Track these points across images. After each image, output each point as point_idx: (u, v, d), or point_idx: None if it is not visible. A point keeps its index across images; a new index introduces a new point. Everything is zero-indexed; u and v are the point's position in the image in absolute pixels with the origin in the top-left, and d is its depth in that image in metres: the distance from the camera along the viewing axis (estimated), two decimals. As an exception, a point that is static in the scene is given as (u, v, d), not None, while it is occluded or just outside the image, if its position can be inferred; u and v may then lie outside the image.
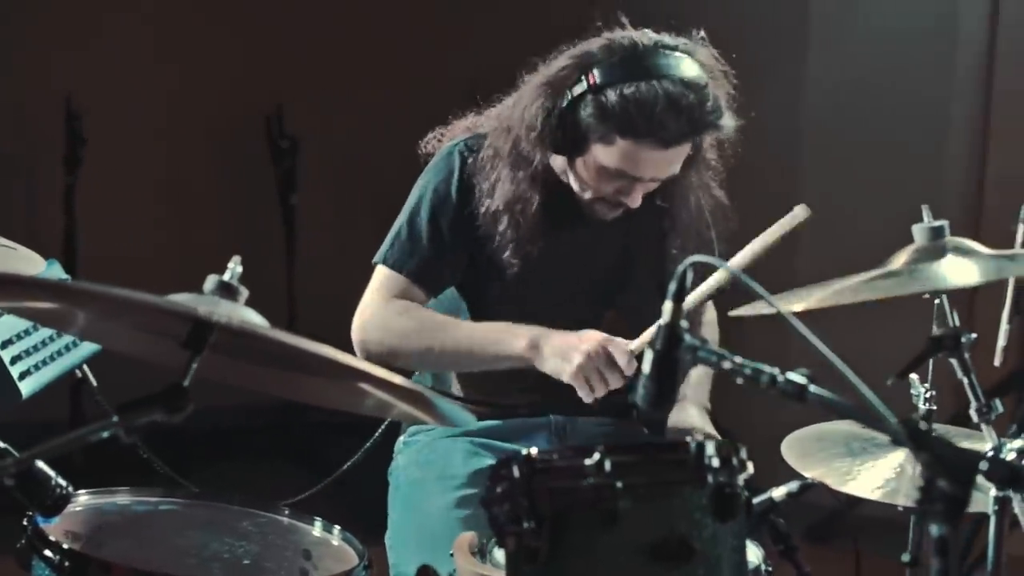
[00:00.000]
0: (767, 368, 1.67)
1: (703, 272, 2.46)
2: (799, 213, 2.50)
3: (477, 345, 2.63)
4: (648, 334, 2.58)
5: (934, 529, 1.51)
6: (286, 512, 2.39)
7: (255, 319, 1.81)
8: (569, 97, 2.58)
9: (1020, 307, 2.28)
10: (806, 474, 2.24)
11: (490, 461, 2.68)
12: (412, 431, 2.85)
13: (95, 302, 1.86)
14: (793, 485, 2.01)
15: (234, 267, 1.85)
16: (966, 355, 1.91)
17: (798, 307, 1.94)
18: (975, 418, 1.93)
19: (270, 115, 5.77)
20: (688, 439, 1.81)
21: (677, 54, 2.56)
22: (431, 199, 2.72)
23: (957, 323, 1.95)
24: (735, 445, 1.84)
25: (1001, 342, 2.32)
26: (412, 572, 2.55)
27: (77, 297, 1.85)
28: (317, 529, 2.38)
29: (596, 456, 1.77)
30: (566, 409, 2.75)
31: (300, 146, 5.77)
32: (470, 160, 2.72)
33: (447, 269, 2.73)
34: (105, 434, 1.73)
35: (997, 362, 2.32)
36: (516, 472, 1.79)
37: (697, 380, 2.79)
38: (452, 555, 2.32)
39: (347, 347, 1.75)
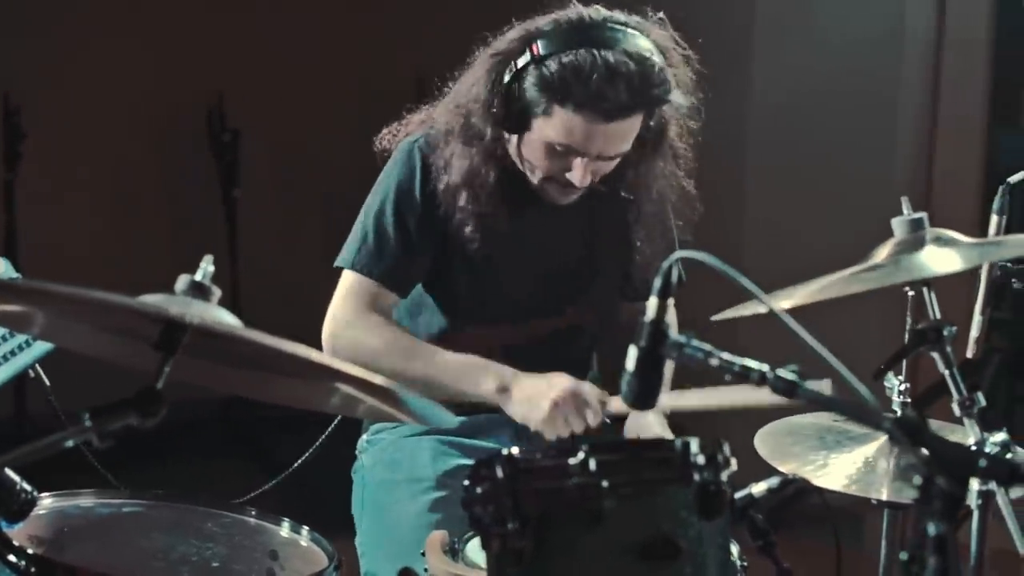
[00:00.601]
0: (756, 365, 1.65)
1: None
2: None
3: (448, 377, 2.60)
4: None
5: (931, 528, 1.49)
6: (253, 513, 2.34)
7: (229, 319, 1.77)
8: (513, 69, 2.54)
9: (992, 298, 2.28)
10: (781, 468, 2.23)
11: (458, 460, 2.66)
12: (375, 429, 2.81)
13: (62, 303, 1.80)
14: (773, 481, 1.99)
15: (206, 266, 1.80)
16: (948, 348, 1.90)
17: (785, 304, 1.91)
18: (957, 412, 1.92)
19: (211, 107, 5.69)
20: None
21: (628, 30, 2.52)
22: (395, 199, 2.67)
23: (938, 315, 1.94)
24: (719, 442, 1.82)
25: (974, 333, 2.32)
26: (380, 571, 2.53)
27: (43, 298, 1.79)
28: (285, 530, 2.33)
29: (581, 455, 1.74)
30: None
31: (242, 139, 5.69)
32: (428, 153, 2.67)
33: (416, 269, 2.69)
34: (70, 443, 1.68)
35: (970, 354, 2.32)
36: (499, 472, 1.75)
37: None
38: (423, 554, 2.30)
39: (291, 337, 1.71)
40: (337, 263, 2.69)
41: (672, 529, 1.75)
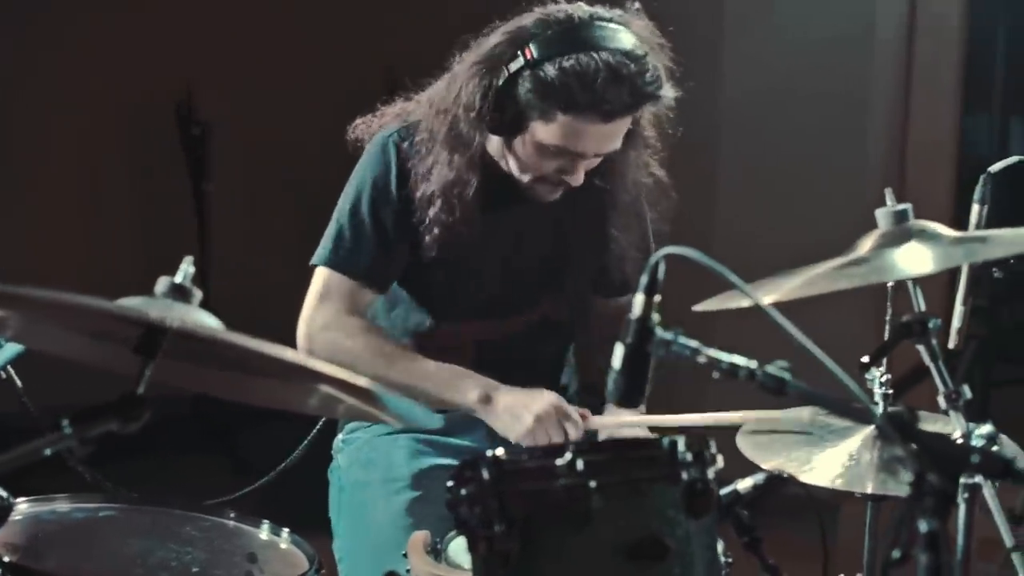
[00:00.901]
0: (745, 361, 1.63)
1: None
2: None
3: (429, 385, 2.57)
4: (612, 419, 2.56)
5: (923, 524, 1.49)
6: (232, 516, 2.32)
7: (210, 322, 1.74)
8: (506, 74, 2.50)
9: (974, 287, 2.27)
10: (763, 465, 2.22)
11: (434, 460, 2.64)
12: (350, 428, 2.78)
13: (38, 308, 1.77)
14: (759, 476, 1.97)
15: (186, 268, 1.77)
16: (933, 341, 1.89)
17: (769, 298, 1.90)
18: (943, 404, 1.91)
19: (180, 101, 5.63)
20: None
21: (613, 25, 2.50)
22: (371, 194, 2.63)
23: (923, 308, 1.93)
24: (705, 439, 1.80)
25: (956, 323, 2.31)
26: (360, 571, 2.51)
27: (18, 303, 1.76)
28: (264, 532, 2.30)
29: (568, 456, 1.72)
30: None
31: (212, 132, 5.64)
32: (405, 150, 2.63)
33: (394, 265, 2.66)
34: (48, 451, 1.65)
35: (952, 344, 2.31)
36: (485, 474, 1.73)
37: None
38: (405, 555, 2.28)
39: (263, 335, 1.68)
40: (313, 261, 2.66)
41: (660, 528, 1.74)
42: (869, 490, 2.21)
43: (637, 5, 2.60)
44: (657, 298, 1.72)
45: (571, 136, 2.50)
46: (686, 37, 2.69)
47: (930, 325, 1.89)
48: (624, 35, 2.50)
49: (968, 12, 4.49)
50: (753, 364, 1.63)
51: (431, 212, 2.57)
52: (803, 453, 2.27)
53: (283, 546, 2.28)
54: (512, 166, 2.59)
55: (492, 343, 2.66)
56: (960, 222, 4.59)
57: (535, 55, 2.47)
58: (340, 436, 2.79)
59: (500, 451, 1.78)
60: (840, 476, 2.20)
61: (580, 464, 1.71)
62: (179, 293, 1.75)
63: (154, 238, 5.71)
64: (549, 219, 2.70)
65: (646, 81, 2.48)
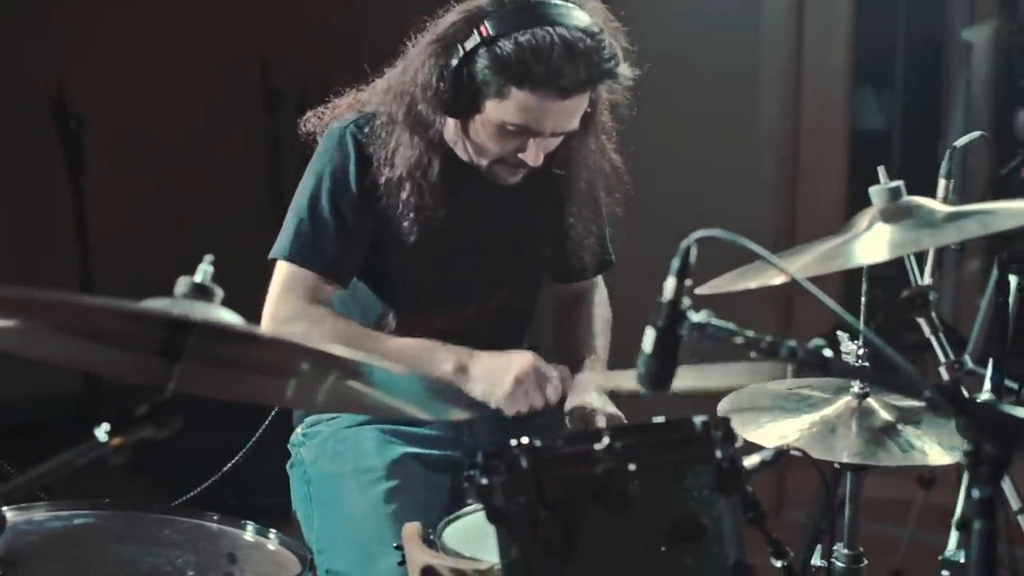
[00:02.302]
0: (785, 340, 1.66)
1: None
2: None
3: (403, 361, 2.52)
4: (594, 374, 2.57)
5: (976, 492, 1.53)
6: (215, 518, 2.27)
7: (232, 320, 1.71)
8: (461, 52, 2.48)
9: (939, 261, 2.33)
10: (745, 436, 2.25)
11: (403, 448, 2.63)
12: (310, 422, 2.74)
13: (51, 312, 1.70)
14: (767, 452, 2.01)
15: (205, 267, 1.73)
16: (933, 313, 1.94)
17: (777, 280, 1.92)
18: (945, 375, 1.97)
19: (53, 95, 5.46)
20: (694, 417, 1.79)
21: (569, 4, 2.50)
22: (330, 186, 2.59)
23: (920, 281, 1.98)
24: (727, 419, 1.83)
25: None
26: (344, 568, 2.48)
27: (34, 309, 1.69)
28: (249, 533, 2.26)
29: (606, 441, 1.73)
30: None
31: (87, 126, 5.48)
32: (362, 140, 2.60)
33: (354, 258, 2.63)
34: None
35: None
36: (523, 462, 1.73)
37: (590, 365, 2.77)
38: (398, 547, 2.26)
39: None
40: (272, 254, 2.61)
41: (696, 508, 1.76)
42: (845, 460, 2.26)
43: None
44: (688, 281, 1.73)
45: (527, 113, 2.48)
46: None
47: (931, 298, 1.94)
48: (579, 13, 2.49)
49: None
50: (793, 343, 1.65)
51: (402, 196, 2.55)
52: (782, 423, 2.30)
53: (271, 547, 2.24)
54: (469, 150, 2.58)
55: (453, 332, 2.65)
56: (853, 194, 4.72)
57: (491, 32, 2.46)
58: (299, 430, 2.75)
59: (524, 440, 1.77)
60: (818, 444, 2.23)
61: (619, 448, 1.72)
62: (201, 292, 1.70)
63: (30, 233, 5.56)
64: (508, 207, 2.69)
65: (602, 58, 2.48)
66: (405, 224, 2.56)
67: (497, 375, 2.50)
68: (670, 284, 1.73)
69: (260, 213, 5.91)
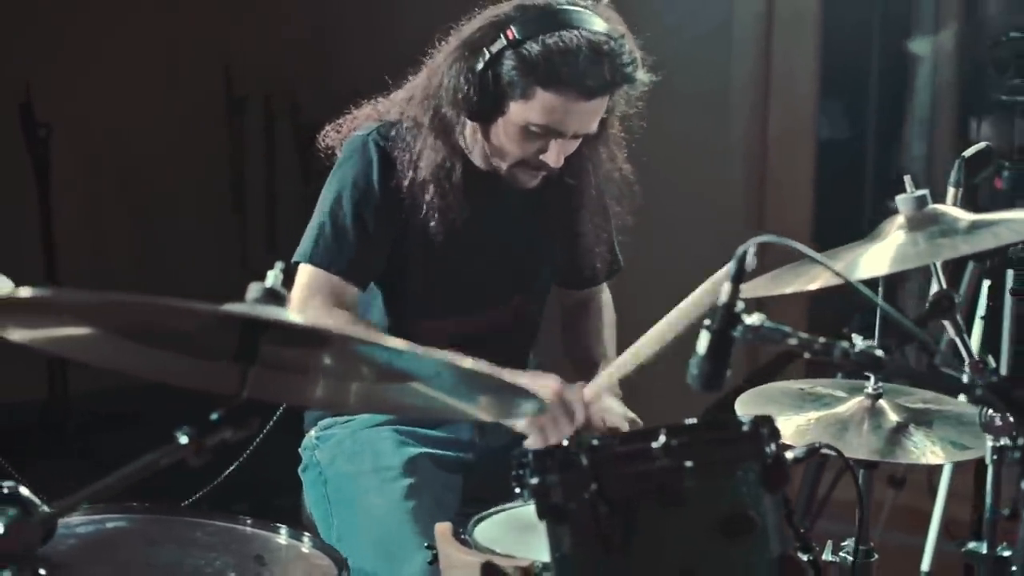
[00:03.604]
0: (837, 341, 1.73)
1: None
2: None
3: None
4: (604, 376, 2.61)
5: (1025, 483, 1.61)
6: (248, 521, 2.30)
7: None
8: (487, 55, 2.54)
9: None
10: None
11: (419, 449, 2.68)
12: (324, 424, 2.79)
13: (123, 315, 1.74)
14: (799, 449, 2.08)
15: (276, 272, 1.76)
16: (958, 316, 2.03)
17: (813, 285, 2.00)
18: (969, 375, 2.04)
19: (21, 103, 5.43)
20: (740, 417, 1.85)
21: (589, 10, 2.57)
22: (352, 193, 2.65)
23: (944, 285, 2.06)
24: (769, 416, 1.89)
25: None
26: (368, 567, 2.53)
27: (106, 314, 1.72)
28: (282, 536, 2.29)
29: (662, 439, 1.79)
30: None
31: (54, 134, 5.45)
32: (386, 147, 2.66)
33: (375, 262, 2.68)
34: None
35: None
36: (584, 460, 1.79)
37: (604, 369, 2.83)
38: (429, 547, 2.31)
39: None
40: (295, 258, 2.66)
41: (747, 503, 1.82)
42: (860, 456, 2.34)
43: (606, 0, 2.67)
44: (743, 286, 1.80)
45: (552, 113, 2.54)
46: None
47: (956, 300, 2.02)
48: (600, 20, 2.57)
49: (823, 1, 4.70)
50: (845, 344, 1.72)
51: (427, 197, 2.60)
52: (801, 420, 2.38)
53: (304, 550, 2.27)
54: (488, 154, 2.63)
55: (467, 339, 2.69)
56: (820, 203, 4.80)
57: (517, 35, 2.52)
58: (312, 433, 2.80)
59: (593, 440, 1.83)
60: (835, 441, 2.30)
61: (676, 445, 1.79)
62: (273, 297, 1.74)
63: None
64: (523, 216, 2.76)
65: (624, 62, 2.55)
66: (432, 225, 2.61)
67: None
68: (726, 288, 1.79)
69: (224, 220, 5.94)
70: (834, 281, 1.98)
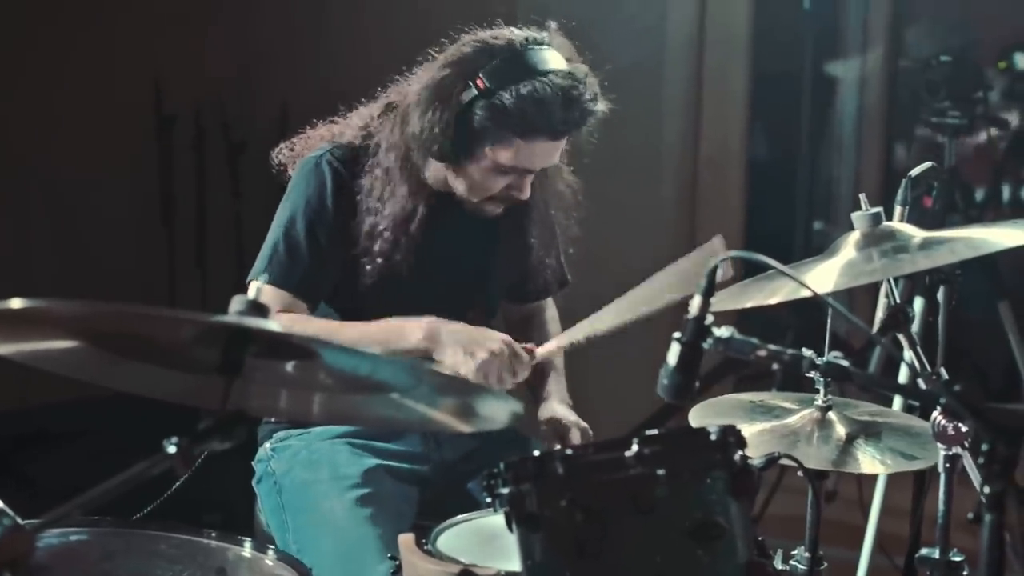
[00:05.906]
0: (805, 352, 1.80)
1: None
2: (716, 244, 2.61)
3: (377, 339, 2.60)
4: (555, 342, 2.67)
5: (987, 488, 1.68)
6: (213, 535, 2.31)
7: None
8: (459, 105, 2.59)
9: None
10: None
11: (374, 460, 2.71)
12: (279, 437, 2.81)
13: (110, 325, 1.75)
14: (759, 460, 2.14)
15: (260, 285, 1.80)
16: (912, 330, 2.10)
17: (774, 299, 2.06)
18: (923, 386, 2.12)
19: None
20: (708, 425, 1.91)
21: (548, 49, 2.63)
22: (306, 212, 2.69)
23: (898, 300, 2.14)
24: (735, 427, 1.95)
25: (879, 314, 2.53)
26: (327, 571, 2.55)
27: (91, 325, 1.74)
28: (246, 549, 2.30)
29: (635, 447, 1.84)
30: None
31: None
32: (340, 168, 2.70)
33: (326, 280, 2.72)
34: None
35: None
36: (560, 469, 1.84)
37: (555, 378, 2.89)
38: (392, 557, 2.34)
39: None
40: (248, 277, 2.69)
41: (715, 510, 1.88)
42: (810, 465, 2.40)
43: (555, 25, 2.72)
44: (713, 299, 1.86)
45: (523, 156, 2.63)
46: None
47: (911, 315, 2.10)
48: (559, 57, 2.63)
49: (754, 21, 4.79)
50: (812, 354, 1.79)
51: (376, 246, 2.66)
52: (752, 430, 2.44)
53: (268, 562, 2.29)
54: (460, 189, 2.69)
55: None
56: (750, 222, 4.87)
57: (487, 84, 2.58)
58: (267, 445, 2.81)
59: (556, 447, 1.88)
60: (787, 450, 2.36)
61: (648, 454, 1.84)
62: (256, 310, 1.77)
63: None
64: (476, 236, 2.81)
65: (589, 99, 2.62)
66: (368, 268, 2.67)
67: (471, 345, 2.57)
68: (695, 302, 1.85)
69: (152, 236, 5.90)
70: (792, 296, 2.05)
